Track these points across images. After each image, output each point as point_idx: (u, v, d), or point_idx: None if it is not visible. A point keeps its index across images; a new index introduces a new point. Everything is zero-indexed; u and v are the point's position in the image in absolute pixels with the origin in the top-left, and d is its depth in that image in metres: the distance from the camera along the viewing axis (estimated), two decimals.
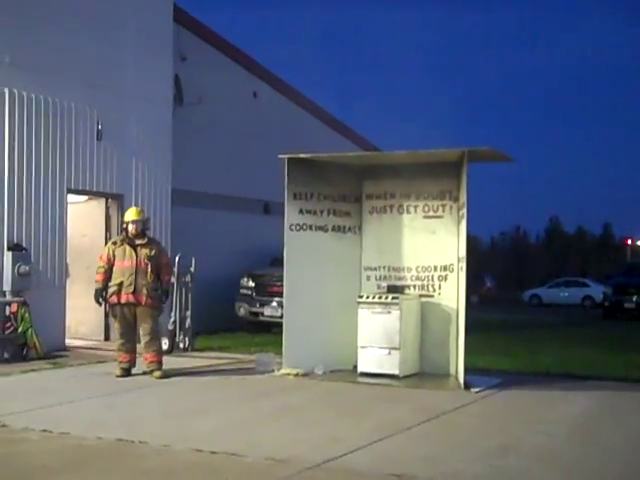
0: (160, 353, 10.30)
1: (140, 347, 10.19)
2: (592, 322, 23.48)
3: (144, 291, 10.07)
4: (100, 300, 10.25)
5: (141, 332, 10.13)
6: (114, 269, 10.11)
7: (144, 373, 10.09)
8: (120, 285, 10.04)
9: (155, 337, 10.24)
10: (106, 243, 11.41)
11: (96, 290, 10.16)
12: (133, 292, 10.03)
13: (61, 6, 13.06)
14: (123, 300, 10.05)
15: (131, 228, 10.24)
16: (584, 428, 7.57)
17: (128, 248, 10.16)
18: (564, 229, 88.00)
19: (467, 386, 9.36)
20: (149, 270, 10.12)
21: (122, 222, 10.64)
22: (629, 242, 56.20)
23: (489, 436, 6.99)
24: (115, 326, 10.46)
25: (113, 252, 10.15)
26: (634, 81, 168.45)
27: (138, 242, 10.22)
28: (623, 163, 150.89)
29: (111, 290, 10.08)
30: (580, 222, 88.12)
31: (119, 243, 10.25)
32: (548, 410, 8.38)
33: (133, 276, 10.04)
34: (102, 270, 10.13)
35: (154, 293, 10.19)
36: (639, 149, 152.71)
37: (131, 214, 10.35)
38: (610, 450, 6.62)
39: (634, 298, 25.62)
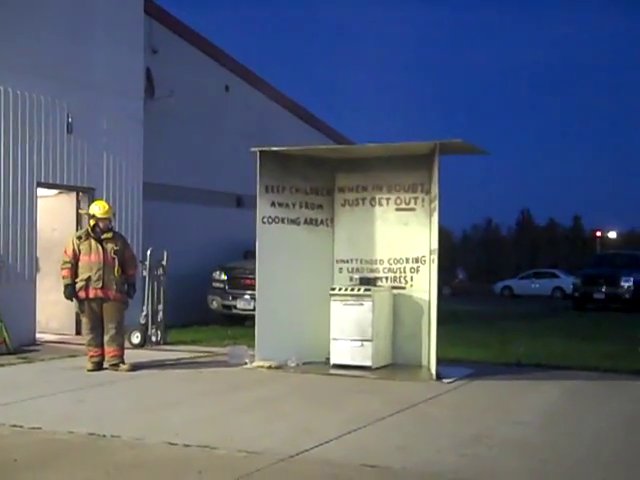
0: (123, 347, 10.25)
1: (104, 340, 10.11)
2: (562, 313, 23.72)
3: (112, 286, 10.01)
4: (72, 296, 10.14)
5: (107, 326, 10.07)
6: (80, 264, 10.02)
7: (108, 367, 10.04)
8: (88, 280, 9.95)
9: (120, 331, 10.19)
10: None
11: (66, 286, 10.04)
12: (101, 287, 9.96)
13: None
14: (91, 295, 9.98)
15: (101, 225, 10.14)
16: (555, 417, 7.66)
17: (94, 242, 10.07)
18: (535, 221, 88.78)
19: (439, 377, 9.43)
20: (116, 264, 10.06)
21: (88, 215, 10.50)
22: (599, 234, 56.84)
23: (461, 426, 7.05)
24: (84, 321, 10.36)
25: (78, 247, 10.04)
26: (606, 75, 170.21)
27: (104, 236, 10.14)
28: (593, 156, 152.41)
29: (79, 285, 9.98)
30: (551, 214, 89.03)
31: (84, 237, 10.14)
32: (519, 400, 8.47)
33: (101, 271, 9.97)
34: (68, 265, 10.02)
35: (122, 287, 10.14)
36: (609, 143, 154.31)
37: (101, 210, 10.22)
38: (581, 438, 6.70)
39: (603, 289, 25.92)
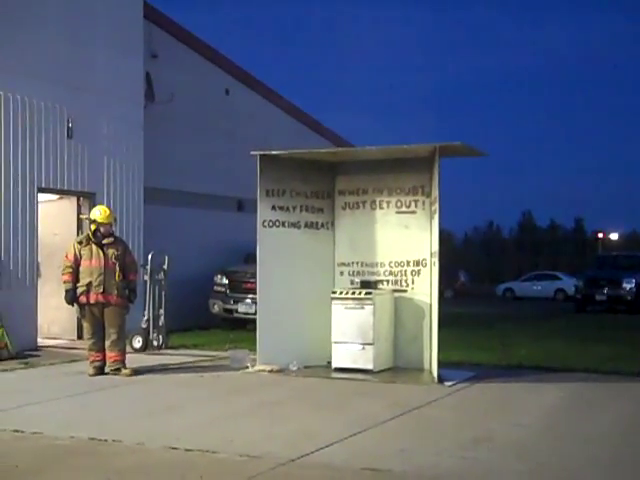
0: (124, 352, 10.25)
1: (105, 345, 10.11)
2: (564, 315, 23.69)
3: (113, 291, 10.01)
4: (73, 301, 10.13)
5: (108, 331, 10.06)
6: (81, 269, 10.02)
7: (110, 372, 10.04)
8: (89, 285, 9.96)
9: (121, 336, 10.18)
10: None
11: (67, 291, 10.05)
12: (102, 292, 9.96)
13: (30, 4, 12.94)
14: (92, 300, 9.98)
15: (102, 230, 10.14)
16: (556, 420, 7.65)
17: (95, 247, 10.07)
18: (537, 223, 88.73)
19: (441, 380, 9.42)
20: (117, 269, 10.06)
21: (89, 220, 10.48)
22: (600, 236, 56.82)
23: (463, 429, 7.04)
24: (85, 326, 10.38)
25: (79, 251, 10.05)
26: (605, 76, 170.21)
27: (105, 241, 10.14)
28: (594, 158, 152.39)
29: (80, 290, 9.99)
30: (552, 216, 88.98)
31: (85, 242, 10.14)
32: (521, 402, 8.46)
33: (102, 276, 9.97)
34: (70, 270, 10.02)
35: (123, 292, 10.13)
36: (609, 144, 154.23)
37: (102, 215, 10.22)
38: (582, 440, 6.68)
39: (605, 291, 25.89)
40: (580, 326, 18.53)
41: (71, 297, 10.05)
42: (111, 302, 10.03)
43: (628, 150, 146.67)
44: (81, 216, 13.28)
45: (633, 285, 25.70)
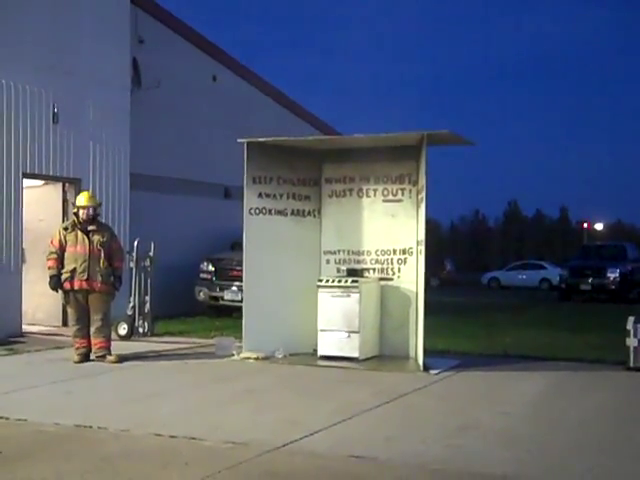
0: (109, 339, 10.21)
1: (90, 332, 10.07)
2: (549, 304, 23.82)
3: (98, 277, 9.96)
4: (58, 287, 10.09)
5: (93, 317, 10.03)
6: (66, 255, 9.97)
7: (95, 359, 10.00)
8: (73, 271, 9.91)
9: (106, 323, 10.13)
10: None
11: (51, 277, 10.00)
12: (87, 279, 9.92)
13: None
14: (76, 287, 9.93)
15: (82, 213, 10.09)
16: (541, 407, 7.69)
17: (80, 234, 10.02)
18: (522, 213, 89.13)
19: (426, 368, 9.45)
20: (102, 256, 10.01)
21: (74, 206, 10.46)
22: (585, 225, 57.07)
23: (448, 417, 7.06)
24: (70, 312, 10.34)
25: (64, 237, 10.00)
26: (593, 68, 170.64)
27: (90, 228, 10.09)
28: (580, 148, 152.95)
29: (64, 277, 9.94)
30: (538, 206, 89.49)
31: (70, 228, 10.10)
32: (506, 390, 8.49)
33: (86, 262, 9.92)
34: (54, 256, 9.98)
35: (107, 279, 10.08)
36: (595, 134, 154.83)
37: (83, 199, 10.20)
38: (567, 428, 6.72)
39: (589, 280, 26.04)
40: (565, 315, 18.62)
41: (55, 283, 10.00)
42: (95, 289, 9.98)
43: (614, 140, 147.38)
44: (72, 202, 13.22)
45: (617, 274, 25.86)
